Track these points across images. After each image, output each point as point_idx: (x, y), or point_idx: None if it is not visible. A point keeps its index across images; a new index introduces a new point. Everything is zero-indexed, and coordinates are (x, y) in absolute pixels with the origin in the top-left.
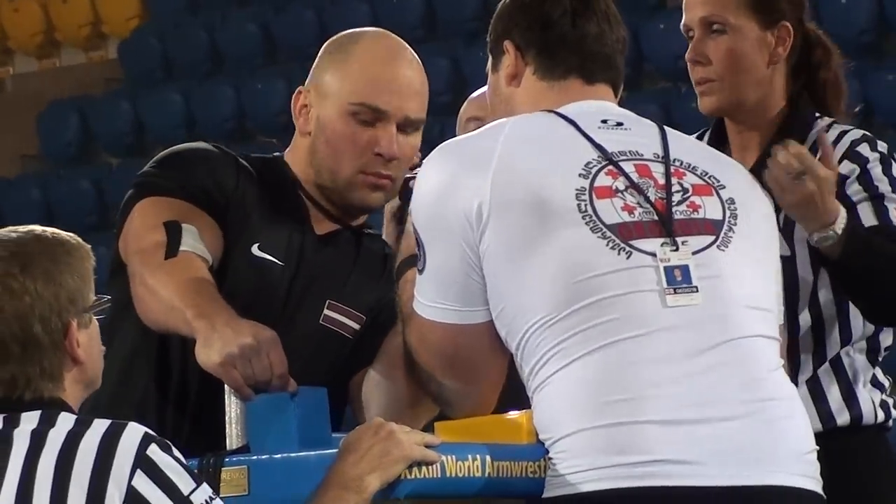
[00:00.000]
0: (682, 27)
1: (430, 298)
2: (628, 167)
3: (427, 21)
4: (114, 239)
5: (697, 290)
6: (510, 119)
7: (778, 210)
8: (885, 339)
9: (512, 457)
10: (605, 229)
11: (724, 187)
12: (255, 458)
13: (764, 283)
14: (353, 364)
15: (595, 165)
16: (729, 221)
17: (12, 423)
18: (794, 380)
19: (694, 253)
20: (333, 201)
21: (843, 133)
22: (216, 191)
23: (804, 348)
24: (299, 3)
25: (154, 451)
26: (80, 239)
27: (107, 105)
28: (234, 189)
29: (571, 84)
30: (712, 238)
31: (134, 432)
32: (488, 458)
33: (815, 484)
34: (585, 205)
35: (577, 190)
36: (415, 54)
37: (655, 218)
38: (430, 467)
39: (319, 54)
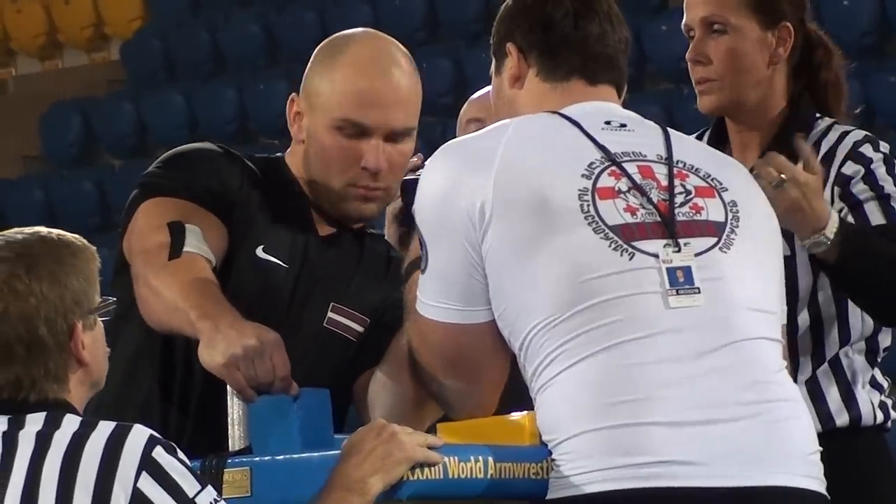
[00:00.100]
0: (682, 27)
1: (433, 298)
2: (631, 168)
3: (429, 22)
4: (116, 240)
5: (699, 292)
6: (513, 120)
7: None
8: (884, 339)
9: (514, 458)
10: (607, 230)
11: (727, 189)
12: (257, 459)
13: (766, 285)
14: (356, 366)
15: (598, 166)
16: (731, 223)
17: (17, 424)
18: (794, 380)
19: (696, 254)
20: (330, 208)
21: (845, 134)
22: (221, 191)
23: (803, 349)
24: (301, 4)
25: (159, 453)
26: (85, 240)
27: (109, 106)
28: (238, 190)
29: (574, 85)
30: (714, 240)
31: (139, 434)
32: (491, 459)
33: (819, 484)
34: (588, 206)
35: (579, 190)
36: (405, 58)
37: (658, 219)
38: (432, 469)
39: (311, 59)
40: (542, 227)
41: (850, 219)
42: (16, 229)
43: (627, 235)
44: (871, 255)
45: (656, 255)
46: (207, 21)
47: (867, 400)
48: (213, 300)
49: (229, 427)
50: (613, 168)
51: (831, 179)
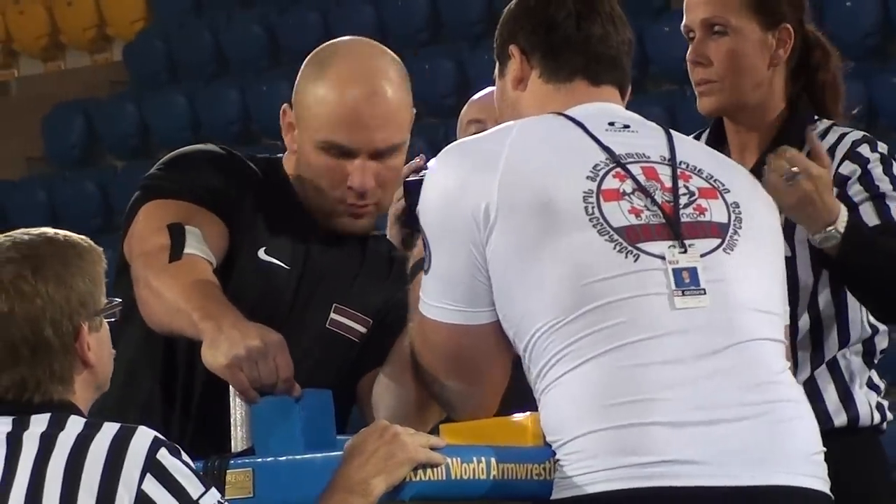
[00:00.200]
0: (682, 28)
1: (435, 298)
2: (635, 170)
3: (432, 23)
4: (119, 241)
5: (705, 293)
6: (518, 121)
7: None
8: (881, 342)
9: (517, 459)
10: (612, 232)
11: (729, 191)
12: (260, 460)
13: (769, 286)
14: (359, 367)
15: (603, 168)
16: (734, 225)
17: (22, 425)
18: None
19: (701, 256)
20: (322, 221)
21: (844, 135)
22: (222, 193)
23: (802, 350)
24: (304, 5)
25: (164, 455)
26: (91, 241)
27: (112, 107)
28: (240, 191)
29: (577, 86)
30: (718, 241)
31: (144, 436)
32: (493, 460)
33: (822, 484)
34: (593, 207)
35: (584, 192)
36: (393, 68)
37: (662, 221)
38: (435, 470)
39: (300, 70)
40: (546, 228)
41: None
42: (22, 230)
43: (632, 237)
44: (875, 250)
45: (662, 257)
46: (210, 22)
47: (865, 401)
48: (215, 301)
49: (232, 428)
50: (618, 170)
51: None
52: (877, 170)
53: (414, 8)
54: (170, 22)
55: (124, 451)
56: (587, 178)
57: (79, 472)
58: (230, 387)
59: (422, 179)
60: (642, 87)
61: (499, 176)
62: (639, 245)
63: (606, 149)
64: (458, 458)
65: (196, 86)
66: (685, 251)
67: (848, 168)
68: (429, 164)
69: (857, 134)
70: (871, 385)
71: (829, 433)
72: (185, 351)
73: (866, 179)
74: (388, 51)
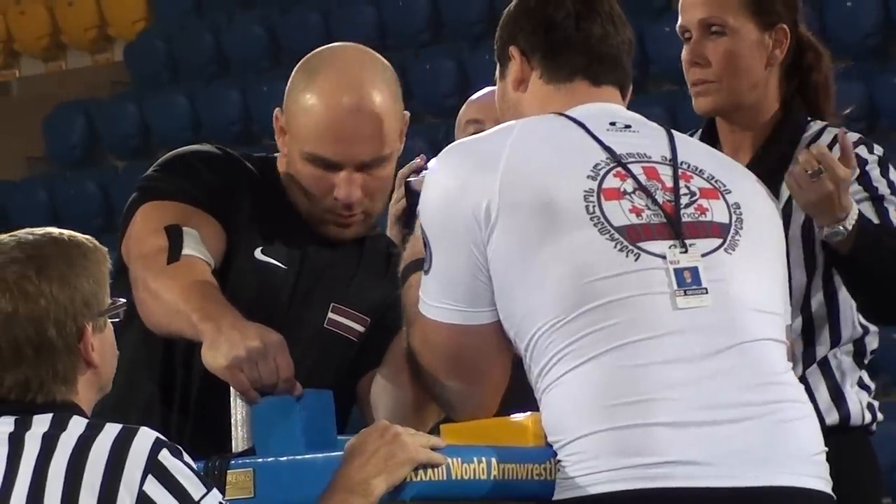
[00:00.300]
0: (677, 28)
1: (436, 298)
2: (636, 169)
3: (433, 24)
4: (119, 242)
5: (707, 292)
6: (518, 121)
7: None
8: (871, 342)
9: (518, 459)
10: (613, 231)
11: (731, 191)
12: (260, 460)
13: (771, 286)
14: (359, 366)
15: (603, 167)
16: (735, 225)
17: (24, 425)
18: None
19: (702, 255)
20: (313, 226)
21: (837, 137)
22: (218, 194)
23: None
24: (305, 6)
25: (165, 456)
26: (96, 242)
27: (113, 107)
28: (236, 191)
29: (578, 86)
30: (720, 241)
31: (145, 437)
32: (494, 460)
33: (824, 484)
34: (593, 206)
35: (585, 191)
36: (380, 77)
37: (663, 220)
38: (435, 470)
39: (291, 76)
40: (547, 228)
41: None
42: (27, 229)
43: (633, 236)
44: (882, 248)
45: (663, 256)
46: (211, 22)
47: (856, 400)
48: (214, 302)
49: (232, 428)
50: (619, 169)
51: None
52: (874, 171)
53: (415, 8)
54: (171, 22)
55: (126, 452)
56: (588, 177)
57: (80, 473)
58: (230, 387)
59: (423, 180)
60: (643, 87)
61: (499, 176)
62: (639, 244)
63: (607, 148)
64: (459, 459)
65: (197, 86)
66: (686, 251)
67: None
68: (429, 164)
69: (853, 136)
70: (862, 385)
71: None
72: (182, 352)
73: (864, 180)
74: (379, 58)
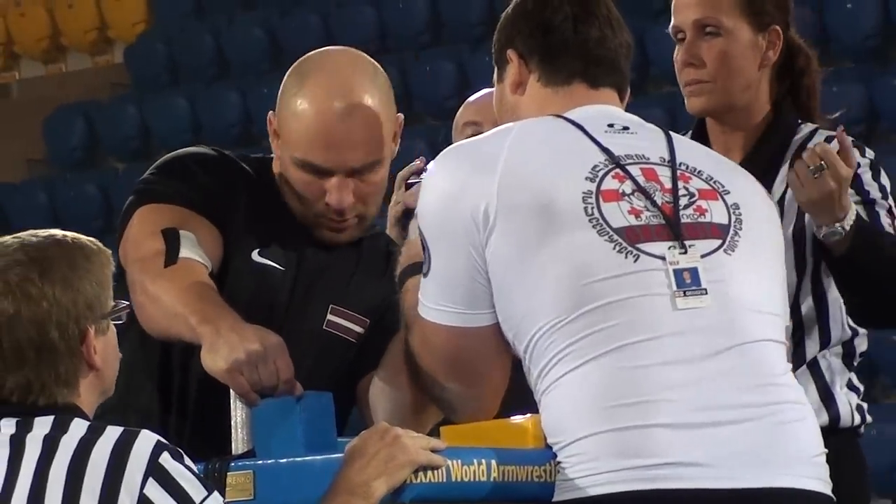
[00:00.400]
0: (671, 29)
1: (435, 301)
2: (635, 171)
3: (433, 25)
4: (117, 244)
5: (707, 293)
6: (517, 123)
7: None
8: (860, 344)
9: (518, 461)
10: (611, 233)
11: (729, 192)
12: (260, 462)
13: (770, 287)
14: (358, 368)
15: (602, 169)
16: (734, 226)
17: (25, 427)
18: None
19: (702, 256)
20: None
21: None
22: (216, 196)
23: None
24: (305, 8)
25: (166, 459)
26: (100, 244)
27: (113, 110)
28: (233, 193)
29: (576, 89)
30: (719, 242)
31: (146, 440)
32: (494, 462)
33: (824, 486)
34: (592, 208)
35: (583, 193)
36: (371, 81)
37: (662, 221)
38: (435, 472)
39: (284, 80)
40: (546, 229)
41: None
42: (31, 231)
43: (632, 238)
44: (877, 249)
45: (662, 257)
46: (211, 25)
47: (846, 401)
48: (212, 304)
49: (232, 430)
50: (617, 171)
51: None
52: (866, 175)
53: (415, 10)
54: (171, 24)
55: (127, 455)
56: (586, 178)
57: (81, 476)
58: (230, 390)
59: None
60: (642, 88)
61: (498, 178)
62: (638, 245)
63: (605, 150)
64: (459, 461)
65: (197, 88)
66: (685, 252)
67: None
68: (428, 166)
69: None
70: (852, 386)
71: None
72: (180, 354)
73: (856, 184)
74: (370, 61)
